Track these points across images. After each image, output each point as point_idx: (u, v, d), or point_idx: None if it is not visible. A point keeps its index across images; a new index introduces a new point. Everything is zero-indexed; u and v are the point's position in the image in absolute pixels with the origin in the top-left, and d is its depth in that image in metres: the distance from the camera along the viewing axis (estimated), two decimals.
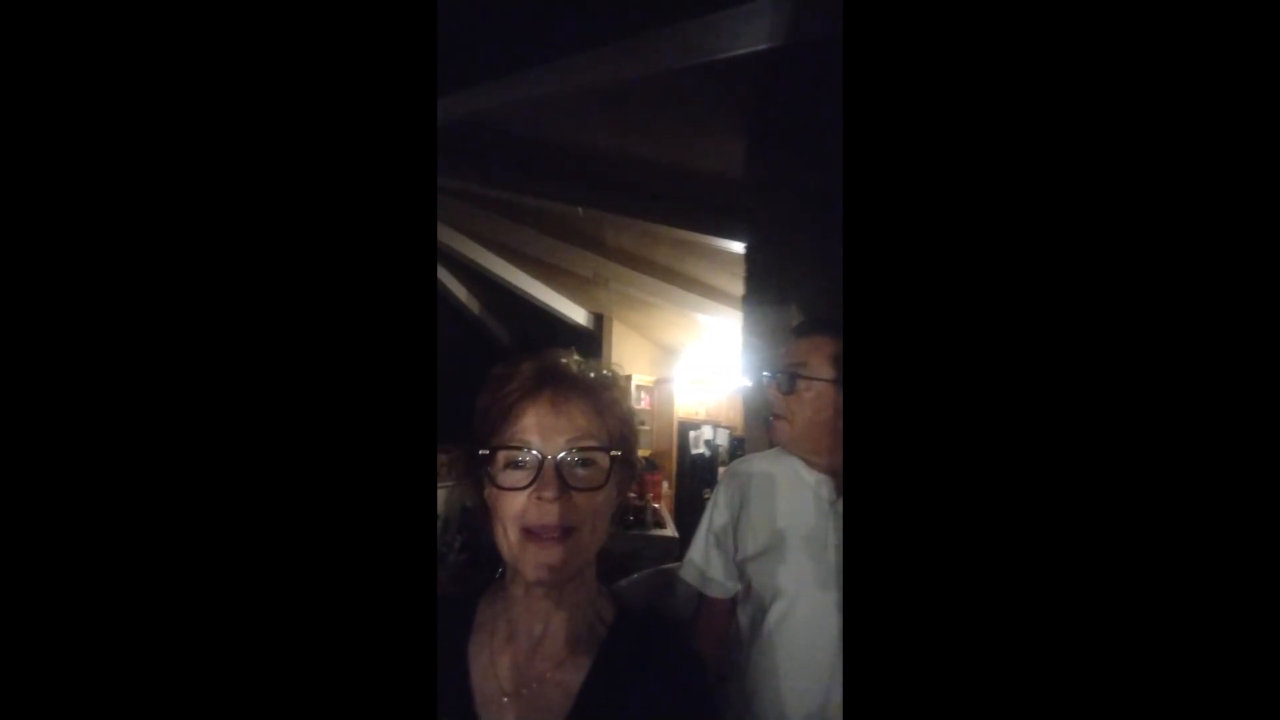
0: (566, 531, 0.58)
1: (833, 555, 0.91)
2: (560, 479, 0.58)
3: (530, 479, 0.58)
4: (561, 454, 0.59)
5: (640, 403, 6.00)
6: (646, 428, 6.05)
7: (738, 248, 2.99)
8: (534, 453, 0.58)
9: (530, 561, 0.58)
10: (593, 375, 0.64)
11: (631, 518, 3.63)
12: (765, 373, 0.97)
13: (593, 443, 0.60)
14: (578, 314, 5.68)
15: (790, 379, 0.93)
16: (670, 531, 3.57)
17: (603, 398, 0.63)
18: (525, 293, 4.93)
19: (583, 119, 2.64)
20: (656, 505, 3.77)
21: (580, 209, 3.16)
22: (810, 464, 0.97)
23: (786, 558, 0.93)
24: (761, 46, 1.83)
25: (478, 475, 0.62)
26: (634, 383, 5.87)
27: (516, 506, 0.58)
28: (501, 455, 0.60)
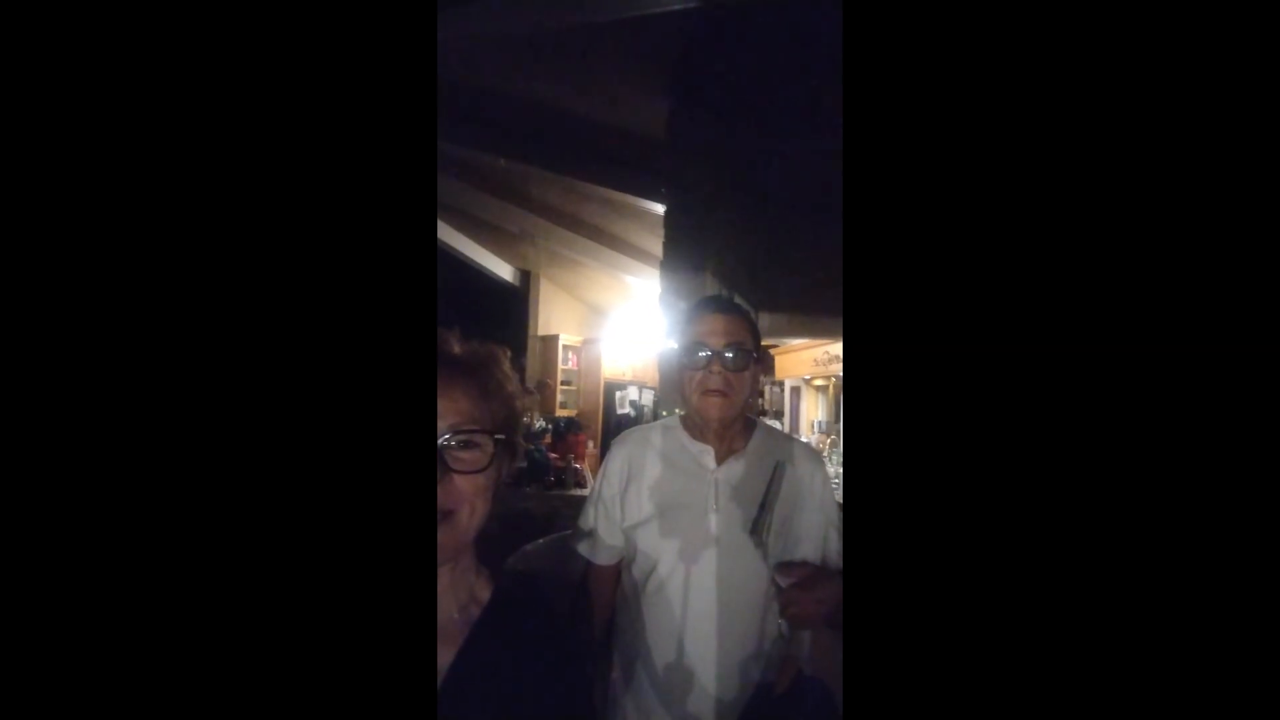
0: (445, 515, 0.57)
1: (713, 524, 0.95)
2: (442, 462, 0.57)
3: None
4: (444, 437, 0.57)
5: (567, 362, 5.98)
6: (572, 387, 6.04)
7: (657, 208, 2.98)
8: None
9: None
10: (477, 355, 0.63)
11: (553, 478, 3.65)
12: (706, 351, 0.95)
13: (475, 426, 0.59)
14: (504, 270, 5.54)
15: (744, 355, 0.94)
16: None
17: (485, 378, 0.62)
18: (450, 247, 4.74)
19: (508, 64, 2.51)
20: (579, 466, 3.80)
21: (501, 159, 3.03)
22: (694, 436, 1.00)
23: (668, 525, 0.96)
24: (694, 4, 1.78)
25: None
26: (561, 342, 5.83)
27: None
28: None
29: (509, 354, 0.66)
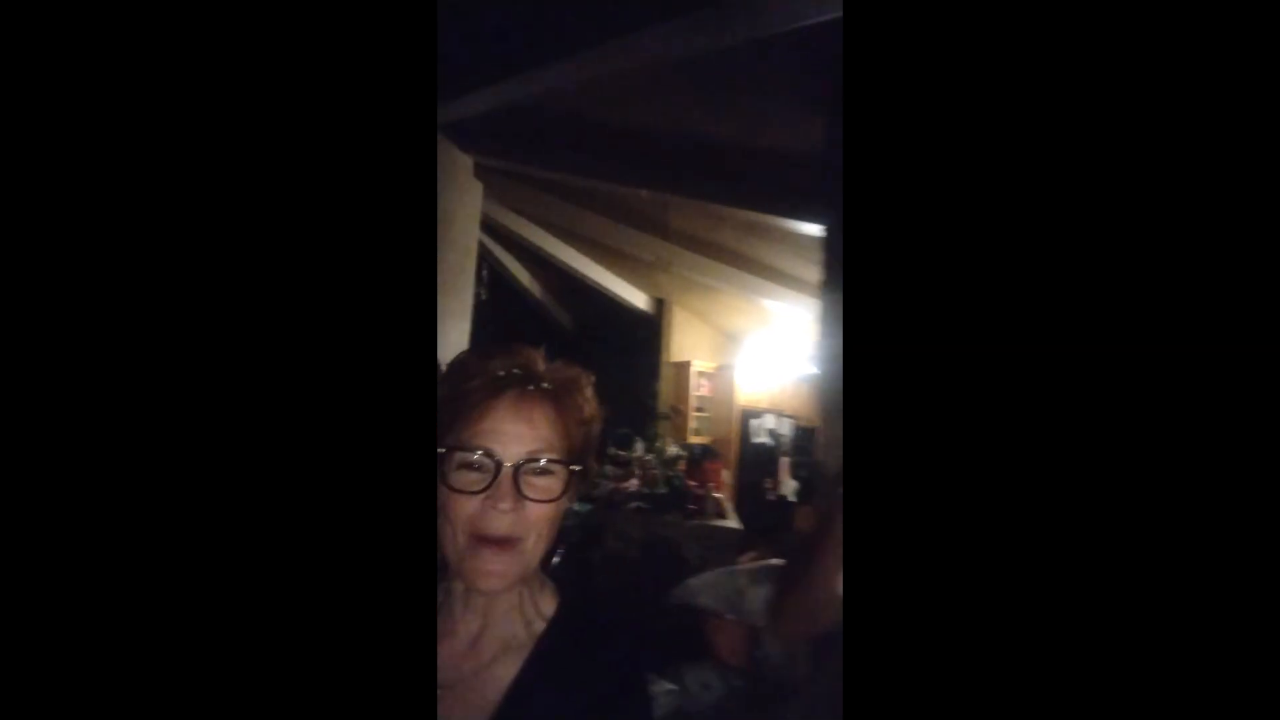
0: (512, 541, 0.57)
1: None
2: (516, 488, 0.56)
3: (485, 484, 0.56)
4: (521, 462, 0.56)
5: (700, 389, 5.90)
6: (705, 414, 5.94)
7: (809, 229, 2.82)
8: (492, 458, 0.56)
9: (478, 570, 0.57)
10: (560, 377, 0.61)
11: (692, 506, 3.55)
12: None
13: (554, 454, 0.58)
14: (638, 298, 5.62)
15: None
16: (733, 523, 3.47)
17: (567, 403, 0.60)
18: (586, 277, 4.90)
19: (644, 98, 2.54)
20: (718, 495, 3.67)
21: (644, 192, 3.06)
22: None
23: None
24: (838, 15, 1.67)
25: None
26: (694, 368, 5.77)
27: (468, 511, 0.56)
28: (457, 456, 0.57)
29: (592, 379, 0.64)
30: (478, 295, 3.37)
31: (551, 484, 0.58)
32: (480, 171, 3.25)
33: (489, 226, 3.74)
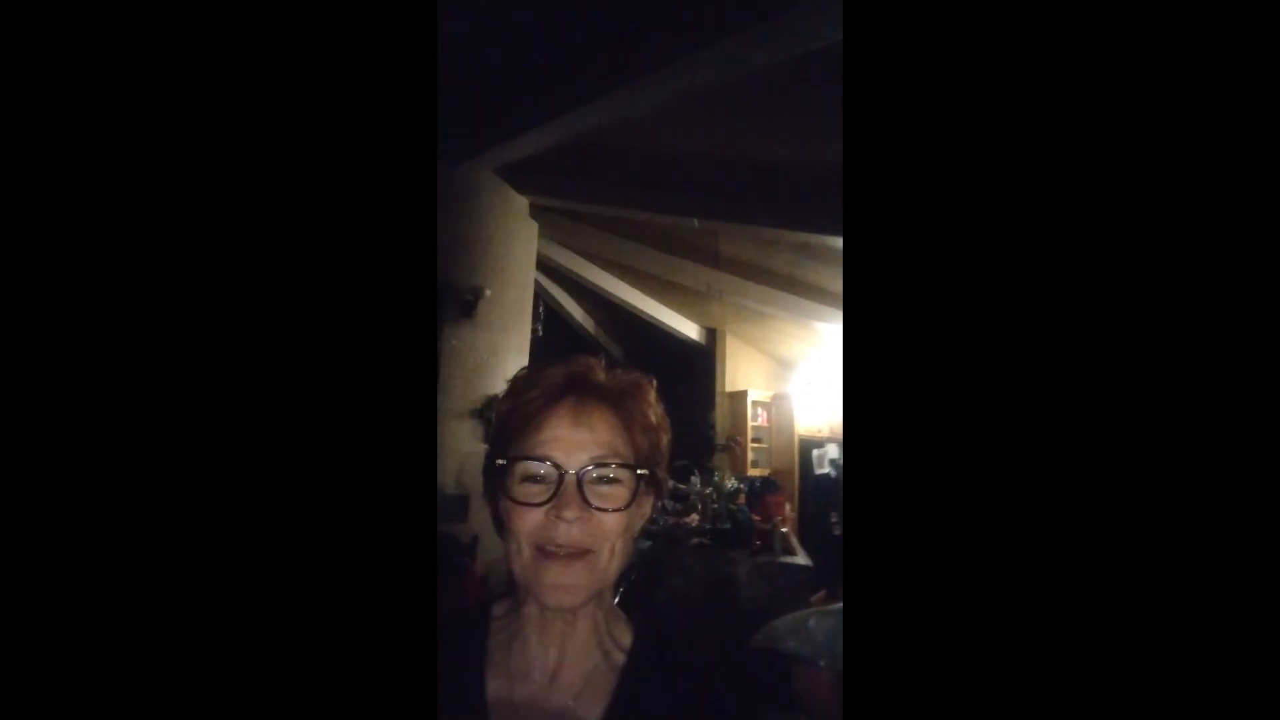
0: (584, 553, 0.54)
1: None
2: (581, 497, 0.54)
3: (549, 495, 0.54)
4: (584, 470, 0.54)
5: (758, 419, 5.76)
6: (764, 445, 5.79)
7: None
8: (554, 467, 0.54)
9: (546, 583, 0.54)
10: (620, 382, 0.60)
11: (759, 542, 3.41)
12: None
13: (617, 459, 0.56)
14: (690, 329, 5.59)
15: None
16: (802, 560, 3.31)
17: (629, 407, 0.58)
18: (637, 309, 4.91)
19: (689, 126, 2.55)
20: (785, 530, 3.53)
21: (696, 220, 3.06)
22: None
23: None
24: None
25: (494, 487, 0.59)
26: (750, 399, 5.65)
27: (532, 523, 0.55)
28: (519, 468, 0.56)
29: (654, 383, 0.62)
30: (534, 332, 3.42)
31: (619, 492, 0.56)
32: (535, 211, 3.33)
33: (543, 264, 3.80)
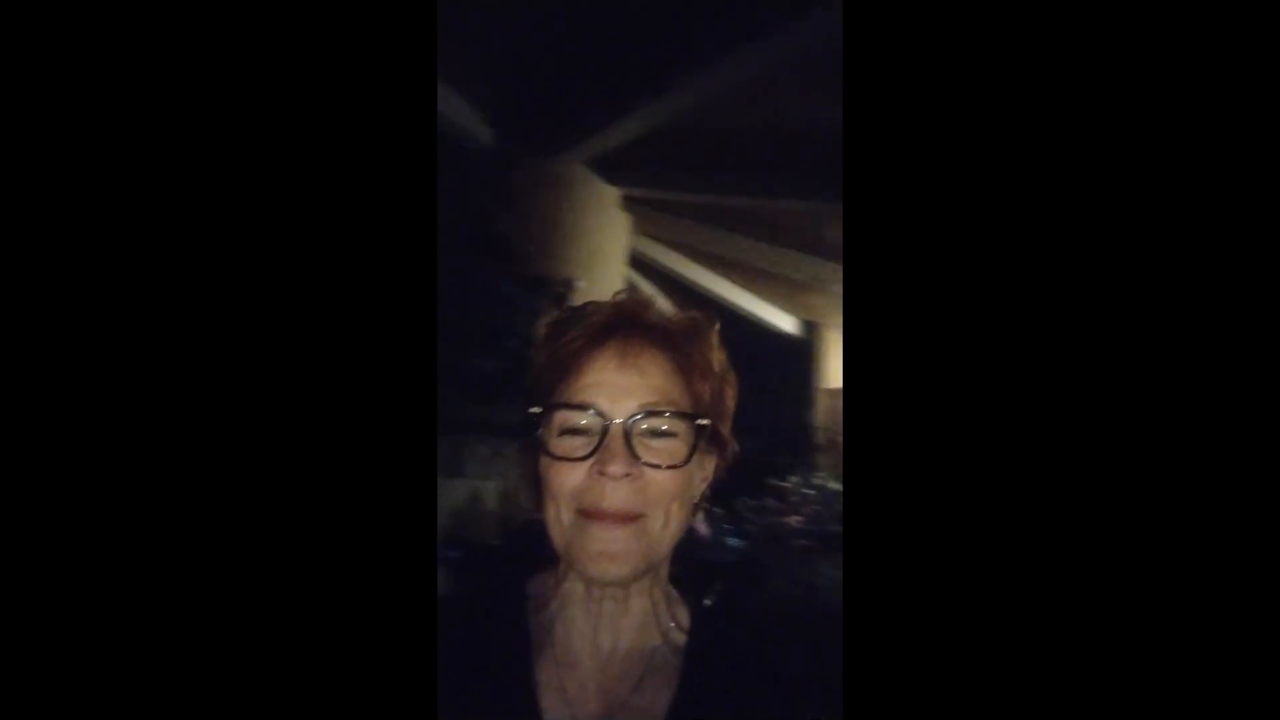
0: (633, 517, 0.47)
1: None
2: (630, 451, 0.47)
3: (591, 448, 0.47)
4: (632, 419, 0.47)
5: None
6: None
7: None
8: (597, 416, 0.47)
9: (590, 551, 0.47)
10: (676, 321, 0.51)
11: None
12: None
13: (672, 407, 0.48)
14: (787, 322, 5.36)
15: None
16: None
17: (688, 349, 0.50)
18: (731, 303, 4.76)
19: (782, 102, 2.39)
20: None
21: (796, 203, 2.88)
22: None
23: None
24: None
25: (531, 443, 0.51)
26: None
27: (573, 481, 0.47)
28: (558, 417, 0.49)
29: (717, 325, 0.53)
30: None
31: (674, 447, 0.48)
32: (627, 203, 3.29)
33: (634, 259, 3.76)
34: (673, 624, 0.53)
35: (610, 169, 3.08)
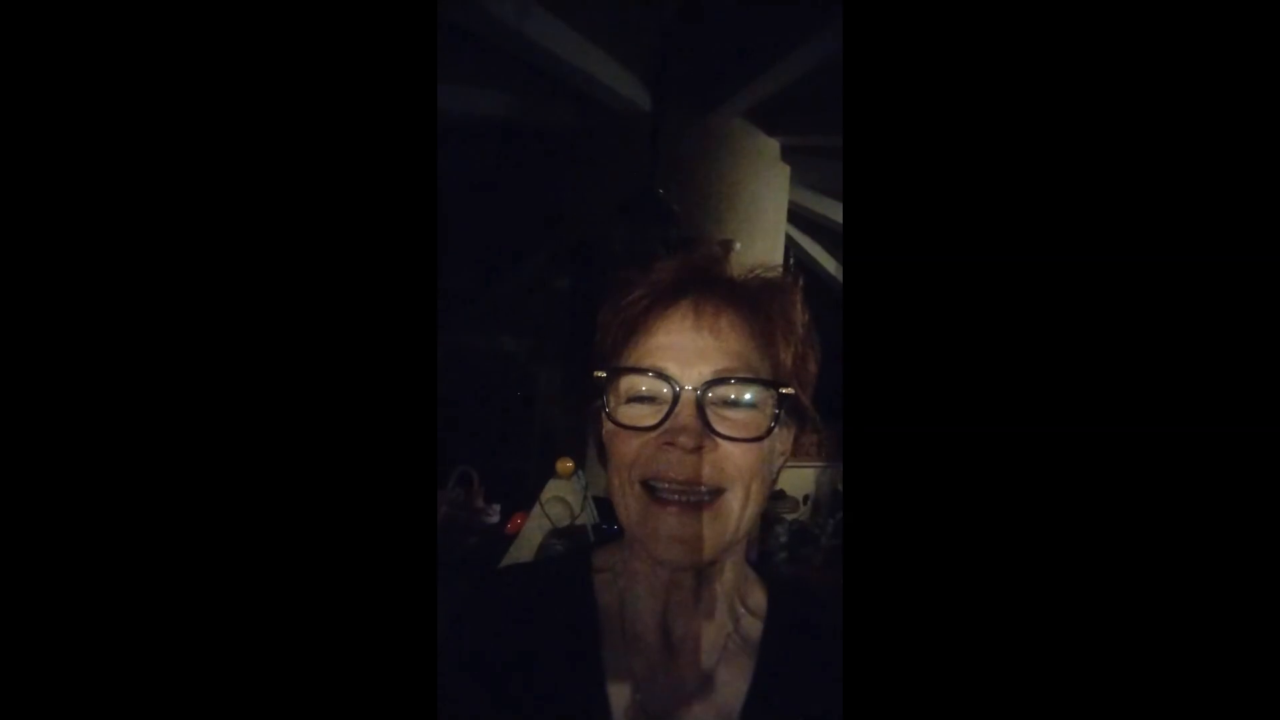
0: (711, 494, 0.43)
1: None
2: (703, 420, 0.42)
3: (661, 417, 0.43)
4: (706, 386, 0.43)
5: None
6: None
7: None
8: (666, 382, 0.43)
9: (658, 533, 0.43)
10: (756, 279, 0.47)
11: None
12: None
13: (750, 374, 0.44)
14: None
15: None
16: None
17: (769, 309, 0.46)
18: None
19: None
20: None
21: None
22: None
23: None
24: None
25: (594, 409, 0.47)
26: None
27: (640, 453, 0.43)
28: (624, 382, 0.45)
29: (801, 282, 0.49)
30: None
31: (752, 417, 0.43)
32: (787, 154, 3.10)
33: (794, 213, 3.56)
34: (744, 608, 0.49)
35: (768, 119, 2.91)
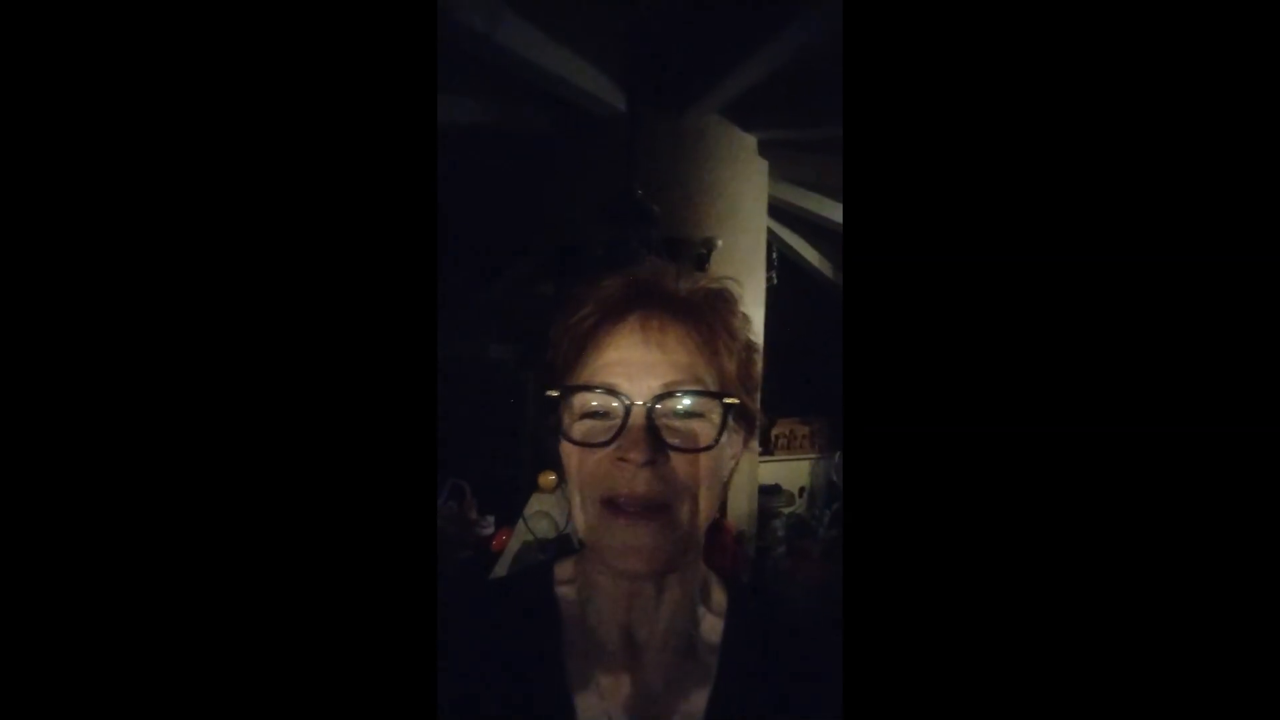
0: (662, 507, 0.44)
1: None
2: (653, 435, 0.44)
3: (613, 433, 0.44)
4: (655, 400, 0.44)
5: None
6: None
7: None
8: (618, 398, 0.44)
9: (614, 544, 0.45)
10: (699, 291, 0.48)
11: None
12: None
13: (698, 386, 0.45)
14: None
15: None
16: None
17: (711, 322, 0.47)
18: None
19: None
20: None
21: None
22: None
23: None
24: None
25: (551, 424, 0.48)
26: None
27: (595, 469, 0.45)
28: (576, 400, 0.46)
29: (741, 293, 0.50)
30: (769, 280, 3.23)
31: (701, 428, 0.45)
32: (764, 148, 3.10)
33: (775, 206, 3.56)
34: (706, 609, 0.51)
35: (744, 115, 2.91)
